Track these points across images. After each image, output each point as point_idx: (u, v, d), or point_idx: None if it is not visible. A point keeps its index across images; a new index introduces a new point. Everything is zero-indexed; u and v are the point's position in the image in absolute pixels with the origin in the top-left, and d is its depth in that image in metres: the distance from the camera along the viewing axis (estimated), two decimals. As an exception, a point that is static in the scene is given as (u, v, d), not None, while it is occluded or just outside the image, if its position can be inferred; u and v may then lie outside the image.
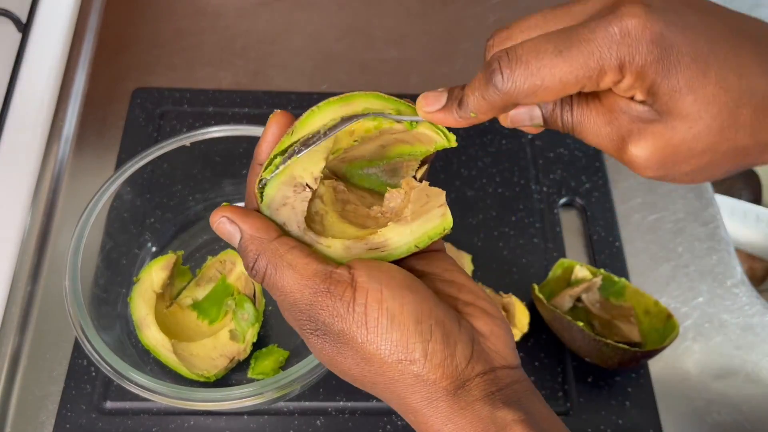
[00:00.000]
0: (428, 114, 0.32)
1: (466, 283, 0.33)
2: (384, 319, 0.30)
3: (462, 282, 0.33)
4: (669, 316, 0.51)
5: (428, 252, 0.35)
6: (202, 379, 0.50)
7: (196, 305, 0.54)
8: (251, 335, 0.52)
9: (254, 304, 0.53)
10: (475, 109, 0.31)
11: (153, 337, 0.49)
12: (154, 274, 0.52)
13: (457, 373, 0.30)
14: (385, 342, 0.29)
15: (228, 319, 0.53)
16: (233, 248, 0.37)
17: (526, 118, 0.32)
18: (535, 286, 0.53)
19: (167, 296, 0.53)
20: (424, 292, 0.31)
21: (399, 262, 0.33)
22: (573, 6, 0.30)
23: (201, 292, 0.54)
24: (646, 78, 0.27)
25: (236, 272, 0.54)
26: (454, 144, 0.33)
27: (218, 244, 0.58)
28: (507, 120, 0.33)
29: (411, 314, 0.30)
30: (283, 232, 0.33)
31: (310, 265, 0.31)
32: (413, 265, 0.34)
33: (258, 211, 0.34)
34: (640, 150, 0.29)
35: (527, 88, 0.28)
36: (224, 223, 0.32)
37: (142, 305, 0.51)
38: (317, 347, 0.31)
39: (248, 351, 0.52)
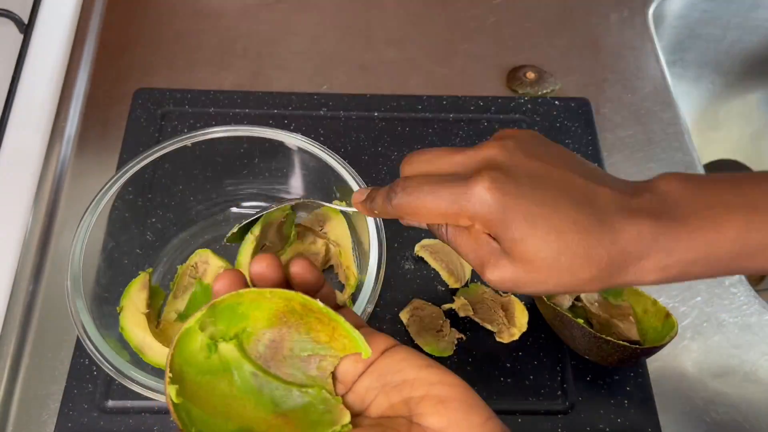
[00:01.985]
0: (355, 204, 0.44)
1: (418, 376, 0.34)
2: None
3: (413, 377, 0.34)
4: (667, 315, 0.51)
5: (376, 360, 0.36)
6: None
7: (182, 317, 0.53)
8: None
9: None
10: (377, 210, 0.41)
11: (159, 353, 0.49)
12: (135, 296, 0.51)
13: None
14: None
15: None
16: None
17: (414, 223, 0.42)
18: None
19: (152, 318, 0.52)
20: None
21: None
22: (455, 155, 0.39)
23: (181, 303, 0.54)
24: (491, 228, 0.37)
25: (210, 270, 0.54)
26: (368, 355, 0.35)
27: (218, 244, 0.58)
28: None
29: None
30: None
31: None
32: (361, 384, 0.35)
33: None
34: (493, 275, 0.37)
35: (408, 210, 0.39)
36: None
37: (136, 330, 0.49)
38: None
39: None
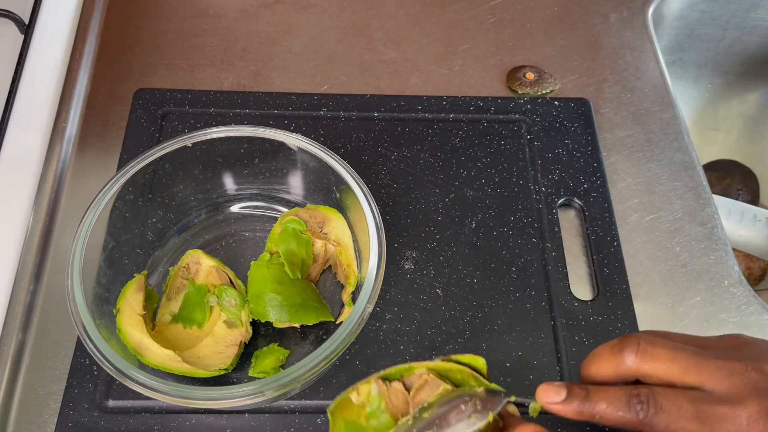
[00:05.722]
0: (549, 405, 0.39)
1: None
2: None
3: None
4: None
5: None
6: (221, 373, 0.50)
7: (176, 318, 0.53)
8: (246, 316, 0.52)
9: (234, 288, 0.54)
10: (603, 416, 0.38)
11: (157, 354, 0.49)
12: (131, 298, 0.51)
13: None
14: None
15: (216, 314, 0.53)
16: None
17: None
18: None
19: (147, 320, 0.51)
20: None
21: None
22: (700, 360, 0.38)
23: (175, 305, 0.54)
24: None
25: (203, 271, 0.54)
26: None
27: (219, 244, 0.58)
28: None
29: None
30: None
31: None
32: None
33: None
34: None
35: (660, 424, 0.36)
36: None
37: (133, 331, 0.49)
38: None
39: (250, 331, 0.52)
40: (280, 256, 0.53)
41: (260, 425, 0.51)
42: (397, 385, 0.44)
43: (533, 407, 0.40)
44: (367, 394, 0.43)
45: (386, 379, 0.44)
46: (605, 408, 0.37)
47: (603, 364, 0.40)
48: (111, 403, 0.51)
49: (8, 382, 0.52)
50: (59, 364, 0.53)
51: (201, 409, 0.51)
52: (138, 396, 0.50)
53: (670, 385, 0.38)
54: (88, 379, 0.52)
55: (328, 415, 0.43)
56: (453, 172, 0.64)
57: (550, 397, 0.39)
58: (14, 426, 0.50)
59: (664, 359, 0.38)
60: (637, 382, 0.40)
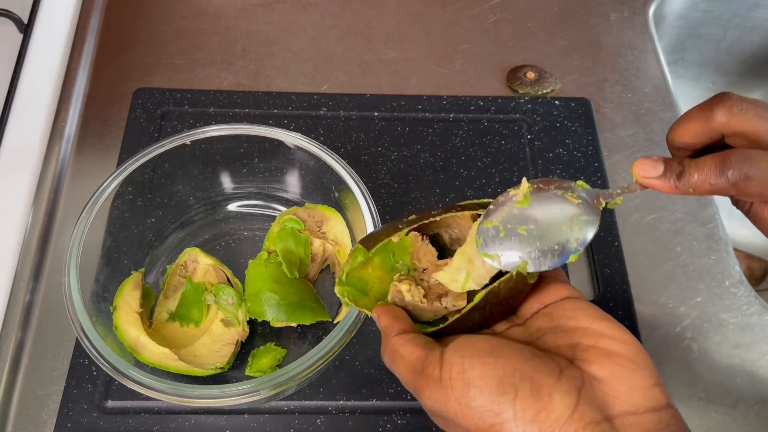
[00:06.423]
0: (646, 179, 0.37)
1: (590, 325, 0.34)
2: (467, 389, 0.32)
3: (585, 325, 0.34)
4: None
5: (553, 303, 0.36)
6: (218, 371, 0.50)
7: (174, 316, 0.53)
8: (243, 315, 0.52)
9: (231, 286, 0.53)
10: (696, 187, 0.36)
11: (153, 352, 0.49)
12: (128, 296, 0.51)
13: (558, 425, 0.30)
14: (474, 410, 0.31)
15: (214, 312, 0.53)
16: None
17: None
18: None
19: (144, 318, 0.52)
20: (509, 354, 0.32)
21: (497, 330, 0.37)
22: None
23: (173, 303, 0.54)
24: None
25: (200, 269, 0.54)
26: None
27: (217, 243, 0.58)
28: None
29: (491, 377, 0.31)
30: (411, 325, 0.37)
31: (414, 353, 0.35)
32: (534, 323, 0.36)
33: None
34: None
35: (754, 187, 0.34)
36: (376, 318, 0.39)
37: (129, 329, 0.49)
38: (439, 424, 0.35)
39: (247, 330, 0.52)
40: (278, 255, 0.53)
41: (260, 425, 0.50)
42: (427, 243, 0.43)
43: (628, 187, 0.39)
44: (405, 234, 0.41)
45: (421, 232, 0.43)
46: (697, 179, 0.35)
47: (691, 124, 0.38)
48: (110, 403, 0.51)
49: (7, 382, 0.52)
50: (58, 364, 0.53)
51: (199, 408, 0.50)
52: (137, 396, 0.50)
53: (757, 147, 0.37)
54: (87, 379, 0.52)
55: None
56: (453, 172, 0.64)
57: (647, 171, 0.37)
58: (13, 426, 0.50)
59: (754, 115, 0.36)
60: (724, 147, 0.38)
